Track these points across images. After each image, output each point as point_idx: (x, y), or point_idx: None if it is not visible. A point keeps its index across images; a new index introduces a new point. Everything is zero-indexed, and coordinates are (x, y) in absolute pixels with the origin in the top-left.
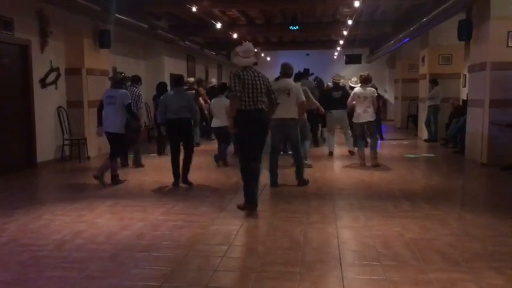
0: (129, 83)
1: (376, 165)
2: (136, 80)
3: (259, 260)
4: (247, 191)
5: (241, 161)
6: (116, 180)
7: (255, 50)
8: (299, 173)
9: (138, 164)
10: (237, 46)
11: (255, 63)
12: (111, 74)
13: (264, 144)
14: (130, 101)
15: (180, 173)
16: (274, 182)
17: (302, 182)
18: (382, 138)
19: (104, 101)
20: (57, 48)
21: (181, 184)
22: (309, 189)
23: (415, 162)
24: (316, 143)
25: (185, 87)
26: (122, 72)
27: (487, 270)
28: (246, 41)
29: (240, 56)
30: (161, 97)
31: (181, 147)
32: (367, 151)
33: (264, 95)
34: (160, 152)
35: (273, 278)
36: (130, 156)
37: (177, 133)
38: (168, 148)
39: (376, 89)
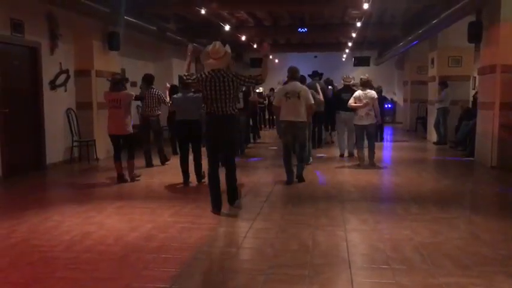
0: (128, 83)
1: (372, 165)
2: (149, 80)
3: (267, 262)
4: (212, 196)
5: (208, 166)
6: (123, 179)
7: (226, 51)
8: (299, 172)
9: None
10: (215, 41)
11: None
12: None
13: (231, 147)
14: (134, 95)
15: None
16: (290, 181)
17: (301, 179)
18: (381, 140)
19: (106, 105)
20: (66, 51)
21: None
22: (317, 191)
23: (424, 165)
24: (319, 143)
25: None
26: (119, 74)
27: (498, 274)
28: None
29: (210, 58)
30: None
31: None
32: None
33: (230, 97)
34: (175, 152)
35: (282, 281)
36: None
37: (186, 134)
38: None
39: (381, 91)
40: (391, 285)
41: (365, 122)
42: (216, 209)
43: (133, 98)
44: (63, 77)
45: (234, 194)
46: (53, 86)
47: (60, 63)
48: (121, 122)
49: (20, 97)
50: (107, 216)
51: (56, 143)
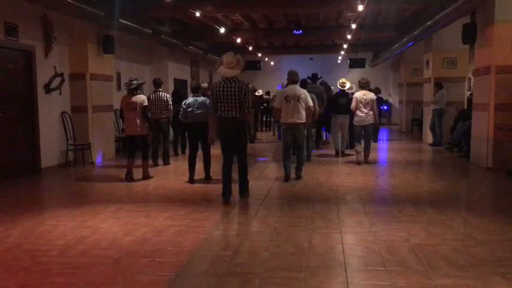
0: (141, 89)
1: (366, 163)
2: (158, 83)
3: (263, 265)
4: (223, 184)
5: (223, 159)
6: (131, 177)
7: (238, 60)
8: (298, 170)
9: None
10: (228, 52)
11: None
12: (126, 81)
13: (242, 147)
14: (146, 104)
15: (198, 171)
16: (287, 177)
17: (299, 176)
18: (375, 141)
19: (124, 108)
20: (61, 54)
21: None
22: (313, 193)
23: (420, 166)
24: (317, 144)
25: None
26: (135, 79)
27: (494, 275)
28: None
29: (223, 66)
30: (182, 103)
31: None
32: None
33: (239, 104)
34: (177, 153)
35: (277, 284)
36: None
37: (196, 135)
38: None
39: (380, 92)
40: (387, 287)
41: (365, 123)
42: (225, 197)
43: (145, 104)
44: (57, 80)
45: (244, 186)
46: (48, 89)
47: (55, 67)
48: (136, 123)
49: (14, 101)
50: (102, 220)
51: (51, 147)
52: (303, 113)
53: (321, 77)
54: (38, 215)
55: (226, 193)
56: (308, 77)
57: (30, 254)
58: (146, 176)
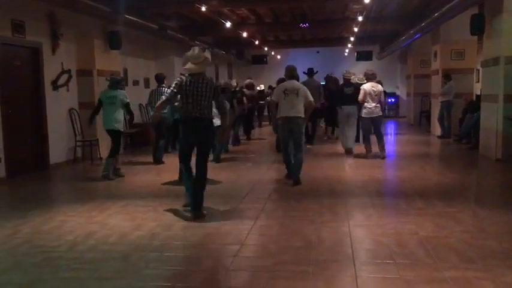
0: (122, 84)
1: (383, 157)
2: (161, 79)
3: (271, 259)
4: (190, 195)
5: (180, 164)
6: (119, 173)
7: (206, 56)
8: (296, 172)
9: (159, 161)
10: (194, 47)
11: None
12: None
13: (206, 150)
14: (128, 101)
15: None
16: (290, 175)
17: (297, 181)
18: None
19: (103, 101)
20: (68, 50)
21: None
22: (321, 187)
23: (428, 159)
24: (311, 141)
25: None
26: (117, 73)
27: (503, 268)
28: (195, 46)
29: (190, 62)
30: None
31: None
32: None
33: (207, 102)
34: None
35: (286, 278)
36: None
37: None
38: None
39: (382, 84)
40: (396, 280)
41: (374, 115)
42: (196, 209)
43: (127, 100)
44: (65, 77)
45: (198, 203)
46: (55, 86)
47: (62, 63)
48: (113, 118)
49: (22, 98)
50: (110, 215)
51: (59, 143)
52: (301, 107)
53: (317, 71)
54: (47, 211)
55: (196, 203)
56: (304, 72)
57: (40, 250)
58: (106, 176)
